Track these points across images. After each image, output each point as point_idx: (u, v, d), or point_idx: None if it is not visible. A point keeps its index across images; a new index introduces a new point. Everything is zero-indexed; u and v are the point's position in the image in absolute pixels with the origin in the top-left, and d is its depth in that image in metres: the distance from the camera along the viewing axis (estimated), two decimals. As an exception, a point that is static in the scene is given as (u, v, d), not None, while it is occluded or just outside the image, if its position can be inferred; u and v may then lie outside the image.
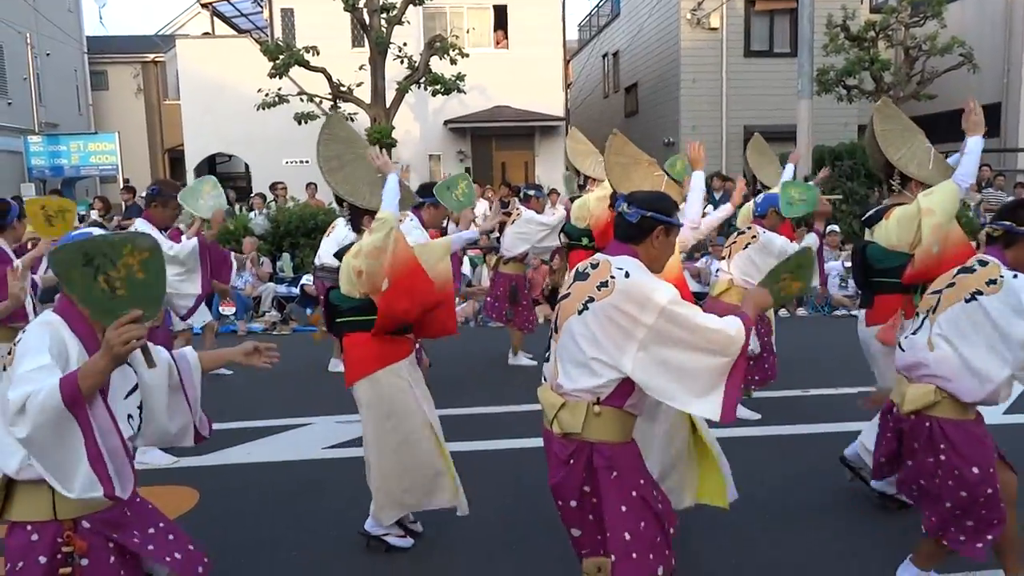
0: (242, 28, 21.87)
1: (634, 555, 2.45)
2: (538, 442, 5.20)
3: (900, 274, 4.00)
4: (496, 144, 18.58)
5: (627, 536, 2.45)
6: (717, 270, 5.91)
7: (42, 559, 2.11)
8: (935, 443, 2.97)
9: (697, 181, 4.33)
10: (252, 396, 6.50)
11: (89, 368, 2.00)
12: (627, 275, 2.46)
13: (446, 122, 18.13)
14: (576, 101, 26.07)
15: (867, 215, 4.30)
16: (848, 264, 10.60)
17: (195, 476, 4.64)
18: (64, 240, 2.25)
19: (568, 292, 2.62)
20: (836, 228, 11.59)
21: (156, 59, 24.91)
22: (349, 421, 5.71)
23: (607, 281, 2.48)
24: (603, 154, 5.56)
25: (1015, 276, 2.87)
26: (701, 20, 18.59)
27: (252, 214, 12.36)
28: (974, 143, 3.97)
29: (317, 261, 7.52)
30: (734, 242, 5.74)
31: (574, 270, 2.70)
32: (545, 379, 2.72)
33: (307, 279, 10.38)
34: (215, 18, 21.39)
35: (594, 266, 2.58)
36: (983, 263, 2.97)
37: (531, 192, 7.73)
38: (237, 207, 13.74)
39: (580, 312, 2.50)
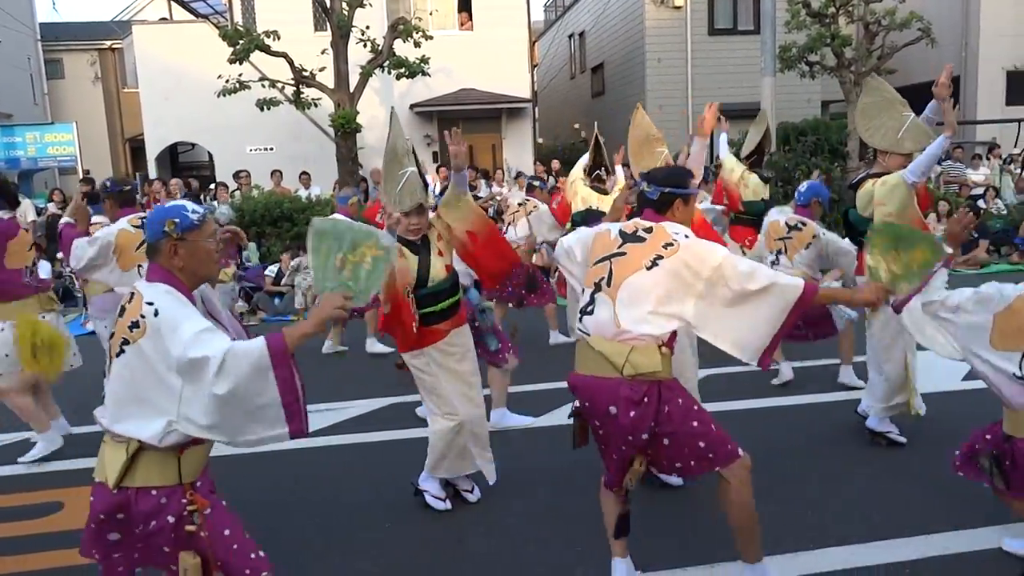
0: (200, 13, 21.39)
1: (712, 452, 2.84)
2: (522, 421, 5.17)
3: None
4: (463, 127, 18.34)
5: (702, 444, 2.84)
6: (772, 262, 5.73)
7: (171, 519, 2.34)
8: None
9: (696, 150, 4.27)
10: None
11: (299, 330, 2.28)
12: (687, 236, 2.90)
13: (412, 106, 17.96)
14: (543, 83, 25.96)
15: (853, 181, 4.78)
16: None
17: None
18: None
19: (623, 251, 2.93)
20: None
21: (113, 46, 24.32)
22: (332, 408, 5.71)
23: (672, 242, 2.88)
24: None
25: None
26: (665, -1, 18.60)
27: (216, 203, 12.19)
28: (938, 142, 4.13)
29: None
30: (787, 238, 5.70)
31: (618, 230, 3.00)
32: (588, 333, 2.95)
33: (271, 270, 10.29)
34: (172, 2, 20.93)
35: (647, 230, 2.95)
36: None
37: (536, 183, 8.09)
38: (201, 197, 13.54)
39: (649, 268, 2.85)
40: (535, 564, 3.51)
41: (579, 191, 7.07)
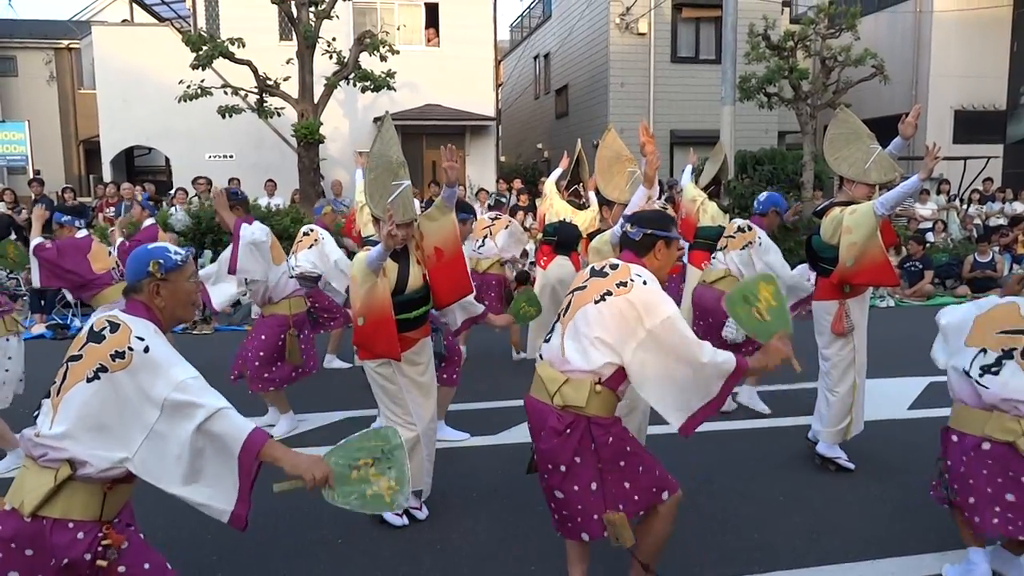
0: (163, 16, 21.09)
1: (636, 497, 2.85)
2: (488, 440, 5.17)
3: (835, 263, 4.49)
4: (427, 143, 18.46)
5: (627, 485, 2.84)
6: (714, 258, 5.97)
7: (87, 556, 2.24)
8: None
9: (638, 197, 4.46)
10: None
11: (278, 452, 2.37)
12: (644, 282, 2.85)
13: (376, 119, 17.92)
14: (507, 102, 26.13)
15: (818, 208, 4.89)
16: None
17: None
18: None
19: (584, 285, 2.95)
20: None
21: (70, 45, 23.81)
22: (271, 425, 5.61)
23: (627, 282, 2.85)
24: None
25: None
26: (630, 25, 18.91)
27: (172, 209, 11.98)
28: (912, 181, 4.17)
29: (295, 271, 7.18)
30: (731, 237, 5.82)
31: (590, 267, 3.04)
32: (542, 357, 3.00)
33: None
34: (134, 5, 20.57)
35: (613, 267, 2.95)
36: None
37: (501, 199, 9.14)
38: (162, 202, 13.28)
39: (597, 302, 2.84)
40: (488, 583, 3.49)
41: (555, 204, 7.27)
